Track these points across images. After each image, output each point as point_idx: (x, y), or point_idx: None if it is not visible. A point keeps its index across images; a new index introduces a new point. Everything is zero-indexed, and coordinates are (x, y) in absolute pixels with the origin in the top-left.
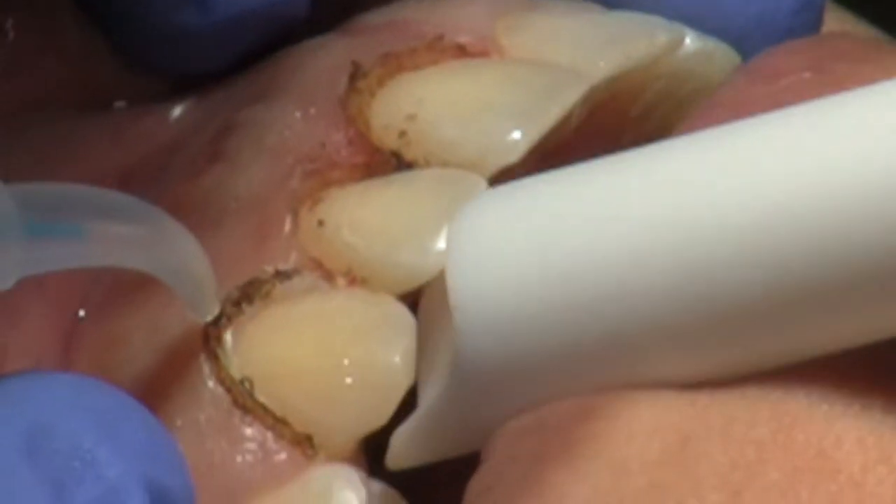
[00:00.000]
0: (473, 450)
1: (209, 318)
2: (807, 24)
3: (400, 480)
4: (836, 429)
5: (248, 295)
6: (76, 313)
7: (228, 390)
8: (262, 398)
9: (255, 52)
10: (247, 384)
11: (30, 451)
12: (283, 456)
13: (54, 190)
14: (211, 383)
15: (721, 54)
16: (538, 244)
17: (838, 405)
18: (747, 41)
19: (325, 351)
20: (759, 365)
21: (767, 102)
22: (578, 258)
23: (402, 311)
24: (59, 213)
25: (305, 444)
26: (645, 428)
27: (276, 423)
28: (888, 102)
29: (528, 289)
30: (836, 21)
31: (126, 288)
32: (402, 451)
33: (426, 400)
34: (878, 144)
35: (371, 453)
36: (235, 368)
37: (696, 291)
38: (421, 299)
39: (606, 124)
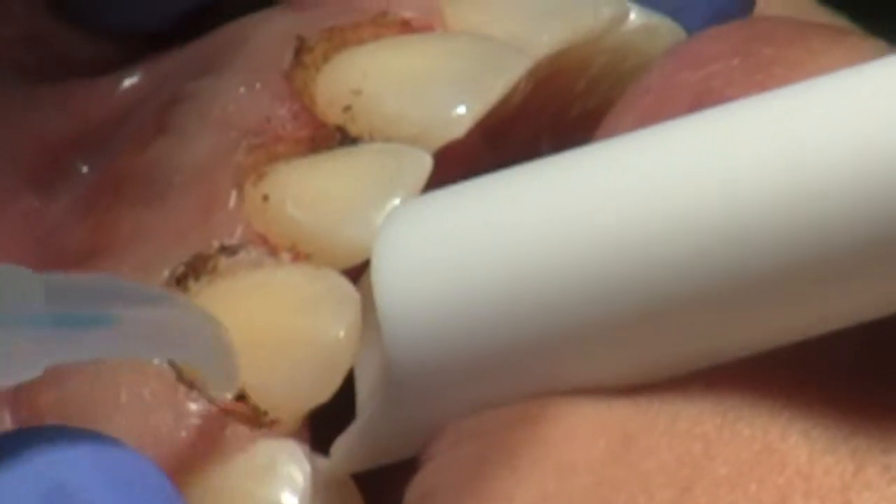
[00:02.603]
0: (414, 454)
1: (232, 393)
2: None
3: None
4: (781, 421)
5: (194, 269)
6: None
7: (172, 365)
8: None
9: (197, 11)
10: None
11: None
12: (227, 431)
13: (82, 280)
14: (156, 358)
15: (665, 29)
16: (465, 253)
17: (780, 398)
18: (688, 14)
19: (270, 326)
20: (696, 363)
21: (695, 88)
22: (506, 267)
23: (347, 286)
24: (88, 302)
25: (250, 419)
26: (588, 428)
27: (220, 397)
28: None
29: (456, 299)
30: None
31: (71, 259)
32: (344, 458)
33: (363, 408)
34: (796, 152)
35: (317, 429)
36: None
37: (623, 295)
38: (363, 276)
39: (551, 99)
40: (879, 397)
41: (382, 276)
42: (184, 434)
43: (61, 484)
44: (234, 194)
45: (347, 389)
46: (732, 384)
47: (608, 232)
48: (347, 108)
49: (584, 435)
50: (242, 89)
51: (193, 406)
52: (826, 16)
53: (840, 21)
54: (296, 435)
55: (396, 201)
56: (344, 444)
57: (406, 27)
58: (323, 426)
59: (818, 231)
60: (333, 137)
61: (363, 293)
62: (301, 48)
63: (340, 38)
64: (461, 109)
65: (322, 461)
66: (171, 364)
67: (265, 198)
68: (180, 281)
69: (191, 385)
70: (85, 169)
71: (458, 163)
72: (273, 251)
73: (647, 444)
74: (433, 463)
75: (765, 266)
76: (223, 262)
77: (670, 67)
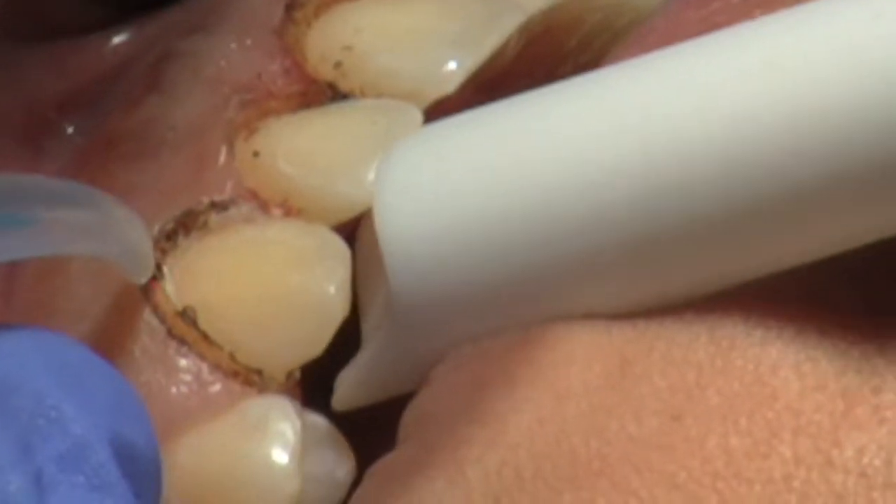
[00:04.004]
0: (417, 388)
1: (144, 280)
2: None
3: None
4: (773, 354)
5: (184, 226)
6: None
7: (163, 321)
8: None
9: None
10: (190, 313)
11: None
12: (217, 387)
13: (5, 180)
14: (146, 314)
15: None
16: (464, 184)
17: (774, 329)
18: None
19: (261, 281)
20: (693, 290)
21: (699, 26)
22: (504, 195)
23: (338, 242)
24: (12, 203)
25: (241, 375)
26: (585, 353)
27: (211, 353)
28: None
29: (457, 229)
30: None
31: None
32: (348, 392)
33: (368, 341)
34: (787, 76)
35: (310, 385)
36: (174, 299)
37: (622, 223)
38: (359, 229)
39: (543, 56)
40: (871, 334)
41: (384, 208)
42: (174, 391)
43: (8, 379)
44: (224, 150)
45: (339, 348)
46: (728, 313)
47: (605, 158)
48: (338, 65)
49: (581, 359)
50: (234, 46)
51: (183, 362)
52: None
53: None
54: (287, 391)
55: None
56: (349, 377)
57: None
58: (314, 383)
59: (820, 152)
60: (324, 94)
61: (365, 233)
62: (292, 4)
63: None
64: (452, 65)
65: (313, 417)
66: (161, 320)
67: (256, 153)
68: (170, 237)
69: (182, 341)
70: (70, 130)
71: None
72: (264, 207)
73: (642, 369)
74: (431, 387)
75: (762, 190)
76: (214, 217)
77: (675, 6)
